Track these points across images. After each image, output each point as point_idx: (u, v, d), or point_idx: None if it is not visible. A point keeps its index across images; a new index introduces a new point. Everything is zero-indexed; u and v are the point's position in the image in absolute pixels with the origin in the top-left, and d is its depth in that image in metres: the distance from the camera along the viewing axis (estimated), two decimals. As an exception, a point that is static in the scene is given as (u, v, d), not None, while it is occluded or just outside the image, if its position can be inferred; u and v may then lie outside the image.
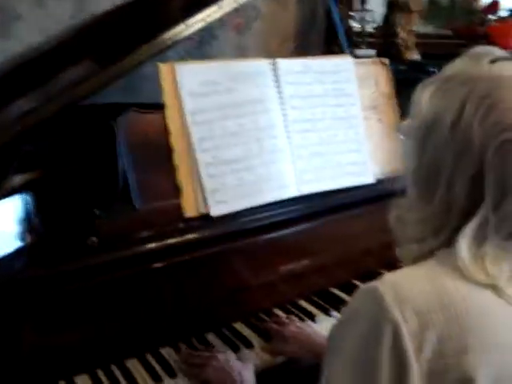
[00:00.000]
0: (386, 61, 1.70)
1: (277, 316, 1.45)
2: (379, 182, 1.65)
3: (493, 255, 0.74)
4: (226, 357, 1.25)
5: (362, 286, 0.79)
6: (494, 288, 0.73)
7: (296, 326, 1.37)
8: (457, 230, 0.76)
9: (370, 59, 1.68)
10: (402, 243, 0.86)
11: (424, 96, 0.80)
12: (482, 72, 0.77)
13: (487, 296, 0.73)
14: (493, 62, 0.78)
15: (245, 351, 1.34)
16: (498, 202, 0.73)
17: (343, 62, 1.61)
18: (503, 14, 2.50)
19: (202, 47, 2.16)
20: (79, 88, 1.36)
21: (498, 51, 0.81)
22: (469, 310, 0.72)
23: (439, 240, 0.79)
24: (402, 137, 0.87)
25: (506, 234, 0.74)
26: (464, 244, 0.74)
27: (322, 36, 2.39)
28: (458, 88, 0.76)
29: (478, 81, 0.75)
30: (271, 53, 2.18)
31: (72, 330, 1.24)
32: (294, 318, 1.42)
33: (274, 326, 1.39)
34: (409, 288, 0.74)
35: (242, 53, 2.25)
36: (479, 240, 0.74)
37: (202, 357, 1.28)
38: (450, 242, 0.77)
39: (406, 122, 0.85)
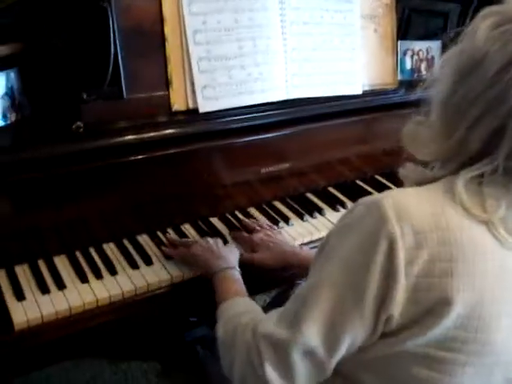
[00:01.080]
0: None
1: (252, 217, 1.49)
2: (365, 94, 1.65)
3: (493, 192, 0.77)
4: (215, 240, 1.30)
5: (365, 198, 0.81)
6: (488, 223, 0.76)
7: (266, 233, 1.37)
8: (460, 169, 0.79)
9: (375, -35, 1.60)
10: (407, 163, 0.87)
11: (481, 27, 0.76)
12: None
13: (481, 229, 0.77)
14: None
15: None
16: (510, 155, 0.75)
17: (348, -35, 1.53)
18: None
19: None
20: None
21: None
22: (462, 238, 0.75)
23: (443, 171, 0.82)
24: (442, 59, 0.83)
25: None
26: (466, 180, 0.77)
27: None
28: None
29: None
30: None
31: (51, 212, 1.25)
32: (265, 225, 1.42)
33: (244, 233, 1.39)
34: (411, 207, 0.76)
35: None
36: (481, 180, 0.77)
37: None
38: (453, 174, 0.80)
39: (452, 49, 0.81)
